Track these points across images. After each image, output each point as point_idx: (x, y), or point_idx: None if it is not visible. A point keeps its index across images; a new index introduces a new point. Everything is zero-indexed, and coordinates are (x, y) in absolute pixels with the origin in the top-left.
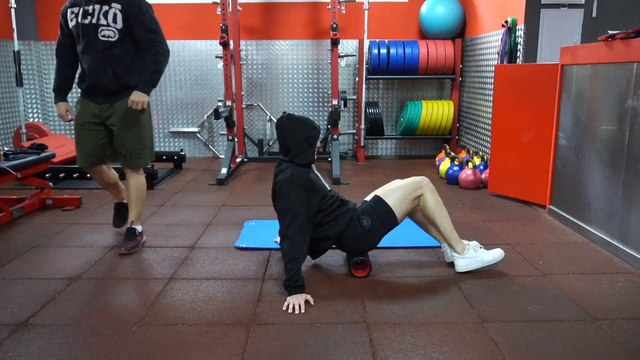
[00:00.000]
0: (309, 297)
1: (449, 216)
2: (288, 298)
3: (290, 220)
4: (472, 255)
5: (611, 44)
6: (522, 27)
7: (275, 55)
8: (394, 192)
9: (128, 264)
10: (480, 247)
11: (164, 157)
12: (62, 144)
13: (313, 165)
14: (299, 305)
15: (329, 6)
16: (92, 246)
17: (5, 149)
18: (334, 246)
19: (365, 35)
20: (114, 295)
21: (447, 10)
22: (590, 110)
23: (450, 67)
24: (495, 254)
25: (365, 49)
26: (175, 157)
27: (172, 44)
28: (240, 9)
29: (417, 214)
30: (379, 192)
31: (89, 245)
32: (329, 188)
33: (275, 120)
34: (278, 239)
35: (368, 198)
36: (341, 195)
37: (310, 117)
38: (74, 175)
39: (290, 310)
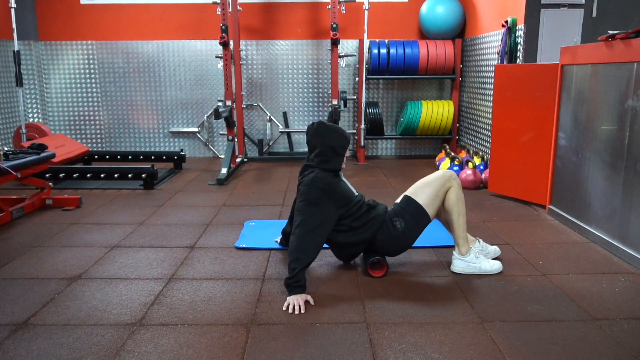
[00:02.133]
0: (309, 297)
1: (466, 215)
2: (288, 298)
3: (302, 220)
4: (471, 260)
5: (611, 44)
6: (522, 27)
7: (275, 55)
8: (424, 189)
9: (128, 264)
10: (482, 252)
11: (164, 157)
12: (62, 144)
13: (340, 172)
14: (299, 306)
15: (329, 6)
16: (92, 246)
17: (5, 149)
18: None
19: (365, 35)
20: (114, 295)
21: (447, 10)
22: (590, 110)
23: (450, 67)
24: (494, 266)
25: (365, 49)
26: (175, 157)
27: (172, 44)
28: (240, 9)
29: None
30: (409, 192)
31: (89, 245)
32: (356, 193)
33: (306, 127)
34: (279, 238)
35: (398, 200)
36: (371, 199)
37: (310, 117)
38: (74, 175)
39: (290, 311)
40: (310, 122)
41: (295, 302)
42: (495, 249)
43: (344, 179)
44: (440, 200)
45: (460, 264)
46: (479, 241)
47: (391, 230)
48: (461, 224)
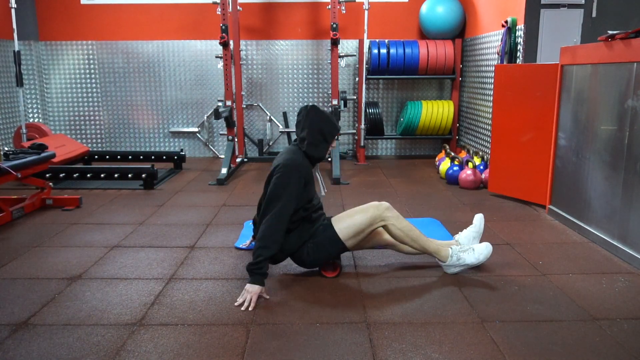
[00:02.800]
0: (264, 291)
1: (420, 232)
2: (244, 291)
3: (280, 208)
4: (454, 263)
5: (611, 44)
6: (522, 27)
7: (275, 55)
8: (348, 222)
9: (128, 264)
10: (461, 249)
11: (164, 157)
12: (62, 144)
13: (317, 165)
14: (250, 301)
15: (329, 6)
16: (92, 246)
17: (6, 149)
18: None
19: (365, 35)
20: (114, 295)
21: (447, 10)
22: (590, 110)
23: (450, 67)
24: (480, 256)
25: (365, 49)
26: (175, 157)
27: (172, 44)
28: (240, 9)
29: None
30: (336, 217)
31: (89, 245)
32: (322, 193)
33: (299, 109)
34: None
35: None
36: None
37: None
38: (74, 175)
39: (243, 308)
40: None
41: (248, 296)
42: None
43: (318, 173)
44: (366, 236)
45: (448, 270)
46: (456, 243)
47: (303, 252)
48: (422, 244)
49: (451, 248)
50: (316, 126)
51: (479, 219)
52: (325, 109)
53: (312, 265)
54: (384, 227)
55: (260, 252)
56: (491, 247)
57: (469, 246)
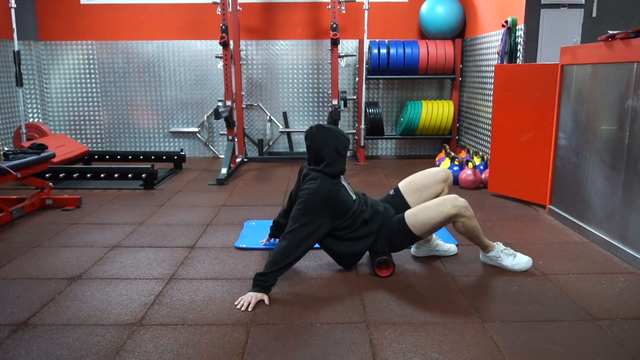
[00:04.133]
0: (266, 297)
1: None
2: (248, 293)
3: (295, 228)
4: (494, 256)
5: (611, 44)
6: (522, 27)
7: (275, 55)
8: (423, 220)
9: (128, 264)
10: (506, 251)
11: (164, 157)
12: (62, 144)
13: (342, 176)
14: (249, 304)
15: (329, 6)
16: (92, 246)
17: (5, 149)
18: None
19: (365, 35)
20: (114, 295)
21: (447, 10)
22: (590, 110)
23: (450, 67)
24: (519, 264)
25: (365, 49)
26: (175, 157)
27: (172, 44)
28: (240, 9)
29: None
30: (407, 213)
31: (89, 245)
32: (354, 197)
33: (305, 132)
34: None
35: (393, 193)
36: (370, 203)
37: (310, 117)
38: (74, 175)
39: (239, 307)
40: (309, 127)
41: (248, 299)
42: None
43: (344, 182)
44: (438, 228)
45: (484, 259)
46: (497, 244)
47: (377, 244)
48: (478, 241)
49: (497, 244)
50: (329, 145)
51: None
52: (325, 109)
53: (389, 252)
54: (456, 222)
55: (271, 267)
56: (532, 263)
57: (512, 251)
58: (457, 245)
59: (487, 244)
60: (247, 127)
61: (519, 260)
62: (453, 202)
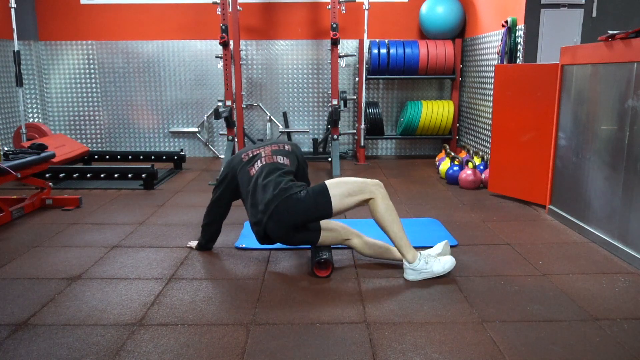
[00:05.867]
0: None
1: (401, 223)
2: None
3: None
4: (422, 268)
5: (611, 44)
6: (522, 27)
7: (275, 55)
8: (340, 185)
9: (128, 264)
10: (434, 257)
11: (164, 157)
12: (62, 144)
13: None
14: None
15: (329, 6)
16: (92, 246)
17: (5, 149)
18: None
19: (365, 35)
20: (114, 295)
21: (447, 10)
22: (590, 110)
23: (450, 67)
24: (446, 265)
25: (365, 49)
26: (175, 157)
27: (172, 44)
28: (240, 9)
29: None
30: (328, 180)
31: (89, 245)
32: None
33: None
34: None
35: None
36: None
37: (310, 117)
38: (74, 175)
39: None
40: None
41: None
42: (427, 253)
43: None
44: (352, 203)
45: (411, 274)
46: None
47: (290, 199)
48: (397, 232)
49: (420, 252)
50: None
51: (443, 246)
52: (325, 109)
53: (287, 223)
54: (370, 201)
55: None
56: (455, 261)
57: (435, 256)
58: (457, 245)
59: (408, 246)
60: (247, 127)
61: (445, 261)
62: (372, 180)
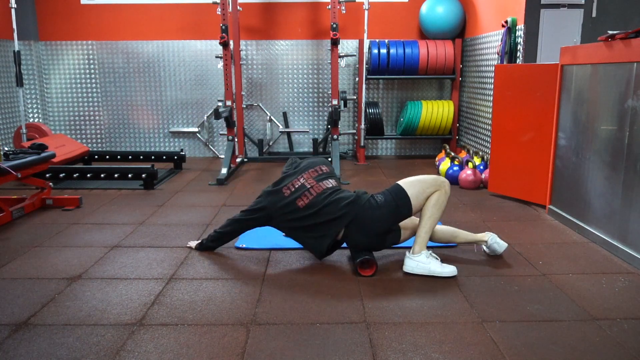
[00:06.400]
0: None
1: (437, 224)
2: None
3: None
4: (421, 260)
5: (611, 44)
6: (522, 27)
7: (275, 55)
8: (415, 184)
9: (128, 263)
10: (437, 259)
11: (164, 157)
12: (62, 144)
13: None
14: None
15: (329, 6)
16: (92, 246)
17: (6, 149)
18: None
19: (365, 35)
20: (114, 295)
21: (447, 10)
22: (590, 110)
23: (450, 67)
24: (445, 269)
25: (365, 49)
26: (175, 157)
27: (172, 44)
28: (240, 9)
29: None
30: (400, 181)
31: (89, 245)
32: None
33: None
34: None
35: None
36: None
37: (310, 117)
38: (74, 175)
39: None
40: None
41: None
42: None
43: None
44: (424, 199)
45: (410, 263)
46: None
47: (368, 209)
48: (426, 225)
49: (427, 250)
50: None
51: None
52: (325, 109)
53: (373, 231)
54: (433, 193)
55: None
56: (456, 271)
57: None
58: (457, 245)
59: (426, 236)
60: (247, 127)
61: (446, 265)
62: (438, 177)
